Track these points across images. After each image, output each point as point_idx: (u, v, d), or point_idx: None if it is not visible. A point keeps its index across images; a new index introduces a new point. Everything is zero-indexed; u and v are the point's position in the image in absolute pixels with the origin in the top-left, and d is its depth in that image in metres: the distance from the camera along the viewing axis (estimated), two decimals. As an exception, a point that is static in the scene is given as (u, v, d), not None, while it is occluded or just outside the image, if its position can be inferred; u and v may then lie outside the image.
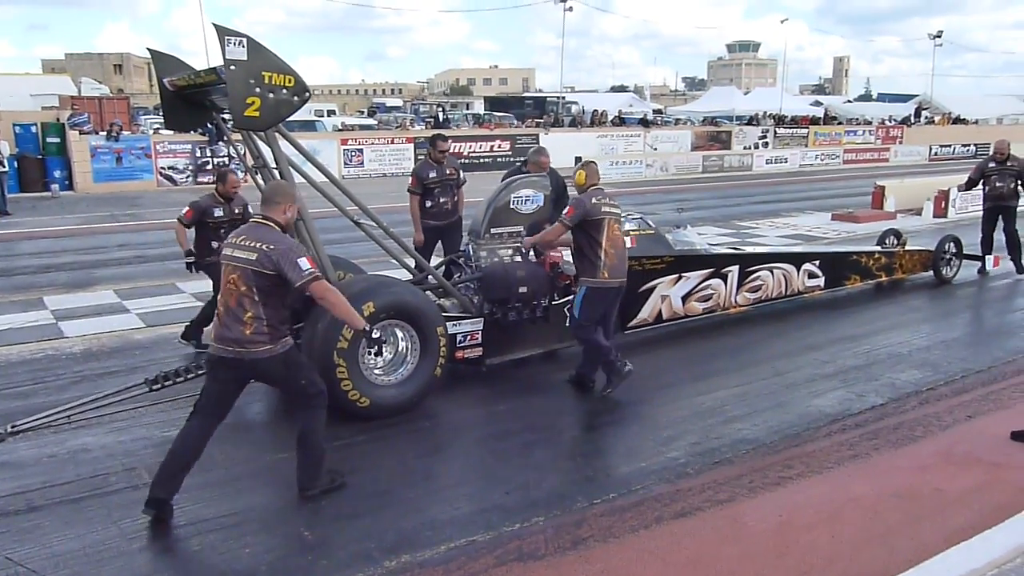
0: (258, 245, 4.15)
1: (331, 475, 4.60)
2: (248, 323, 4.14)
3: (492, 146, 28.23)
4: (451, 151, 8.35)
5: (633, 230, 7.40)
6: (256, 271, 4.12)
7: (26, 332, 7.95)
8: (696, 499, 4.47)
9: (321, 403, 4.47)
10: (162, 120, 28.09)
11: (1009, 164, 10.40)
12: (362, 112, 50.29)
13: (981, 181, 10.64)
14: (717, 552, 3.97)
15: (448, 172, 8.13)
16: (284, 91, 5.03)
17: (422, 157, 8.50)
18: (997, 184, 10.41)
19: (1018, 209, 10.47)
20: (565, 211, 6.04)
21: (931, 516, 4.30)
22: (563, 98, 42.85)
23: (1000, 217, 10.45)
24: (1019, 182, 10.34)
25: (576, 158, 26.99)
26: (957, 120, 46.44)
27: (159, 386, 5.44)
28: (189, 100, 6.09)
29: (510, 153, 27.89)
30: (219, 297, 4.35)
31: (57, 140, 21.78)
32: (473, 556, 3.91)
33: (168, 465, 4.25)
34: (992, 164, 10.59)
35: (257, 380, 4.52)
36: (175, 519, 4.24)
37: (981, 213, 10.80)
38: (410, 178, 8.13)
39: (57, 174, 21.45)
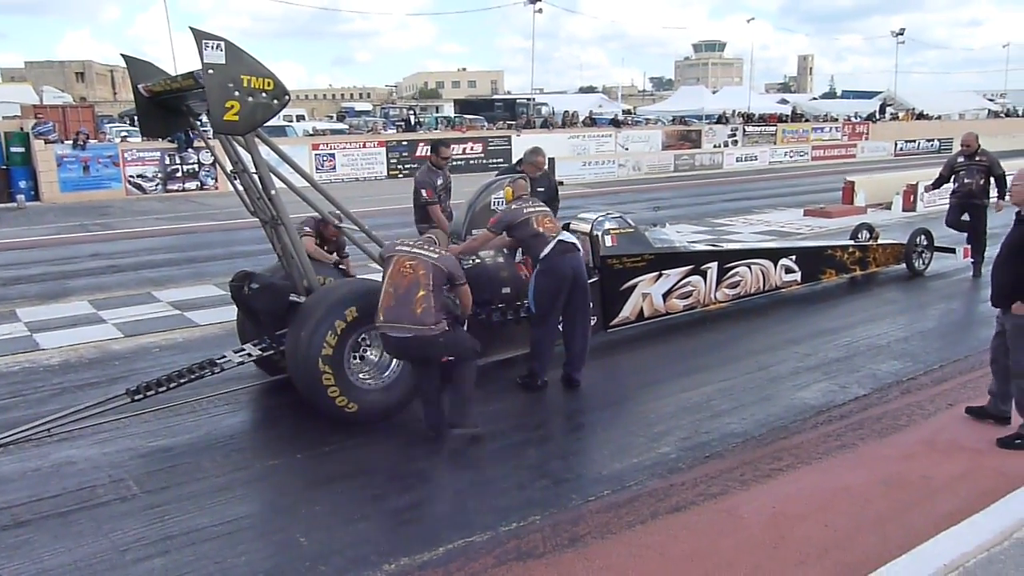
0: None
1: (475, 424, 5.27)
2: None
3: (464, 148, 28.19)
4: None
5: (613, 229, 7.43)
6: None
7: (0, 345, 7.79)
8: (690, 493, 4.51)
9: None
10: (130, 128, 27.82)
11: (978, 159, 10.00)
12: (331, 117, 50.07)
13: (952, 178, 10.26)
14: (714, 545, 4.01)
15: (448, 177, 8.13)
16: (263, 95, 4.98)
17: (421, 166, 8.35)
18: (966, 180, 9.99)
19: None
20: (490, 220, 6.33)
21: (920, 503, 4.38)
22: (533, 100, 42.93)
23: (968, 215, 10.03)
24: (990, 178, 9.92)
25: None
26: (920, 116, 47.28)
27: (141, 396, 5.37)
28: (165, 106, 5.97)
29: (483, 155, 27.96)
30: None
31: (21, 150, 21.38)
32: (472, 557, 3.91)
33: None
34: (961, 159, 10.16)
35: None
36: (168, 529, 4.19)
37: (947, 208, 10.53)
38: (423, 191, 7.79)
39: (22, 184, 21.05)
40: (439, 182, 7.93)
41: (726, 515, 4.29)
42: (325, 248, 6.69)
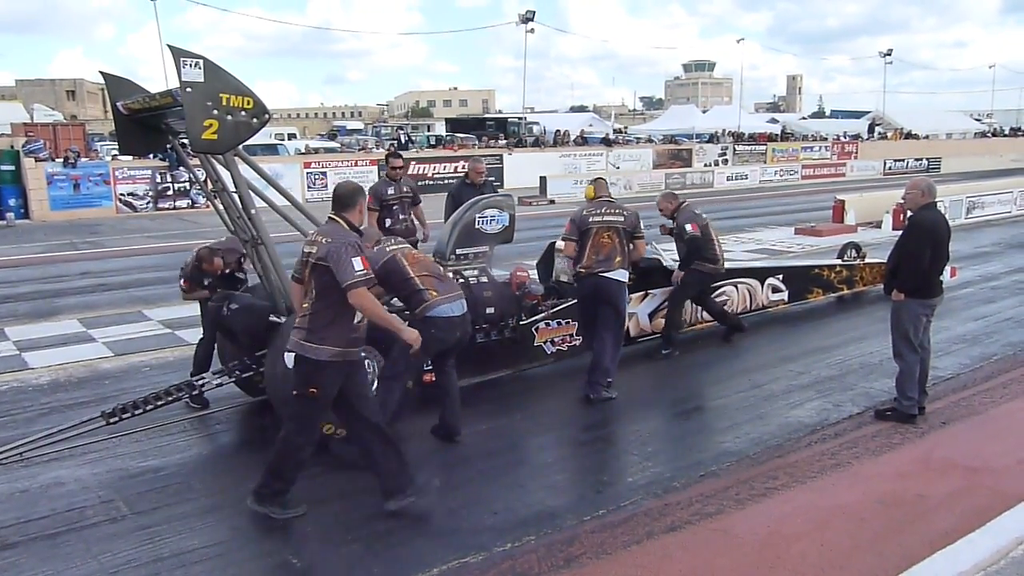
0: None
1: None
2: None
3: (456, 167, 28.24)
4: (406, 168, 8.45)
5: None
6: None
7: (-11, 364, 7.72)
8: (685, 513, 4.48)
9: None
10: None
11: None
12: (323, 135, 50.10)
13: None
14: (710, 565, 3.98)
15: (404, 190, 8.28)
16: (243, 113, 4.93)
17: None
18: None
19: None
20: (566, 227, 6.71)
21: (915, 522, 4.36)
22: (525, 119, 43.09)
23: None
24: None
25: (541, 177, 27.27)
26: (909, 135, 47.70)
27: (116, 419, 5.31)
28: (144, 124, 5.93)
29: (493, 178, 27.98)
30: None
31: (11, 168, 21.33)
32: (466, 578, 3.87)
33: None
34: None
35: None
36: (159, 551, 4.14)
37: None
38: (367, 196, 8.07)
39: (12, 202, 20.98)
40: (389, 192, 8.19)
41: (721, 534, 4.26)
42: (207, 283, 6.35)
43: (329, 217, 4.45)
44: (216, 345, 6.26)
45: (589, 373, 6.40)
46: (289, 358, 4.31)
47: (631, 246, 6.55)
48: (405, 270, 5.25)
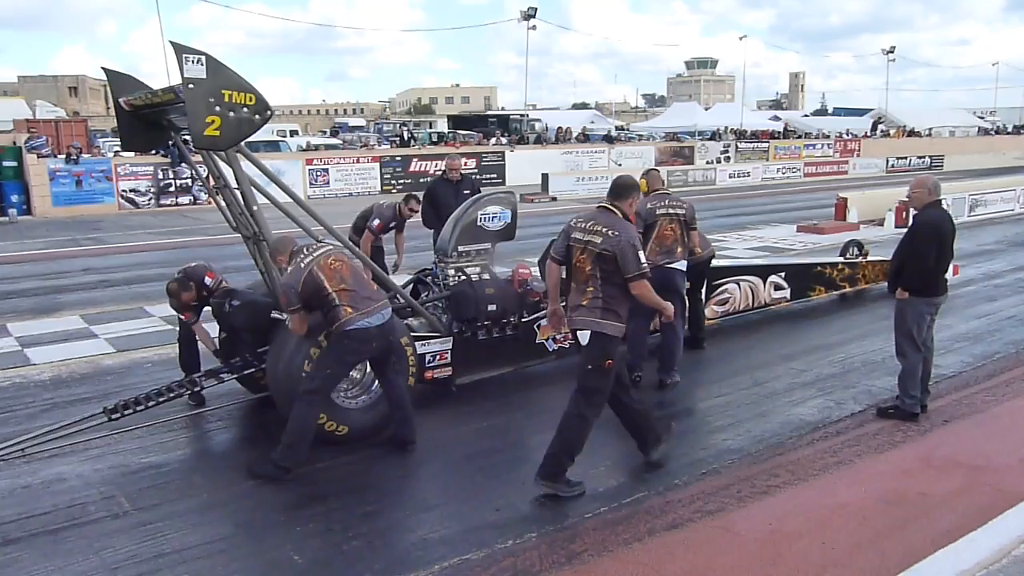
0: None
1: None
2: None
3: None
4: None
5: None
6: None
7: (-9, 360, 7.73)
8: (686, 510, 4.48)
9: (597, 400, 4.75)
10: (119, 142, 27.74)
11: None
12: (324, 132, 50.13)
13: None
14: (711, 562, 3.98)
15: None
16: (245, 109, 4.93)
17: (386, 204, 8.93)
18: None
19: None
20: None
21: (917, 520, 4.36)
22: (527, 116, 43.04)
23: None
24: None
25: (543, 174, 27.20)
26: (911, 133, 47.59)
27: (119, 415, 5.31)
28: (146, 120, 5.93)
29: (476, 171, 27.94)
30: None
31: (14, 164, 21.33)
32: (467, 575, 3.87)
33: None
34: None
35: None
36: (161, 547, 4.14)
37: None
38: (376, 221, 8.54)
39: (14, 198, 20.99)
40: (392, 224, 8.72)
41: (723, 532, 4.26)
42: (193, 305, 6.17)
43: (605, 207, 4.79)
44: (218, 341, 6.26)
45: (663, 360, 6.73)
46: (584, 336, 4.65)
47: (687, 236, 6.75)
48: (323, 285, 4.95)
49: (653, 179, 7.04)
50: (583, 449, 4.71)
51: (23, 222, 20.20)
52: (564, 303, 5.03)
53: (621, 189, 4.78)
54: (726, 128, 42.27)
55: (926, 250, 5.58)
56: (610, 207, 4.73)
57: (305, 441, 4.97)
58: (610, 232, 4.59)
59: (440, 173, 9.15)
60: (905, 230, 5.97)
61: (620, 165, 32.13)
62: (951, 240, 5.71)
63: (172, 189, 22.92)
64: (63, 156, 21.76)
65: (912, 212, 5.92)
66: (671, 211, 6.67)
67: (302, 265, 4.98)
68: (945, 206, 5.95)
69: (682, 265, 6.70)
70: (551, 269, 5.00)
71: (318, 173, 25.97)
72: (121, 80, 5.89)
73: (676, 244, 6.66)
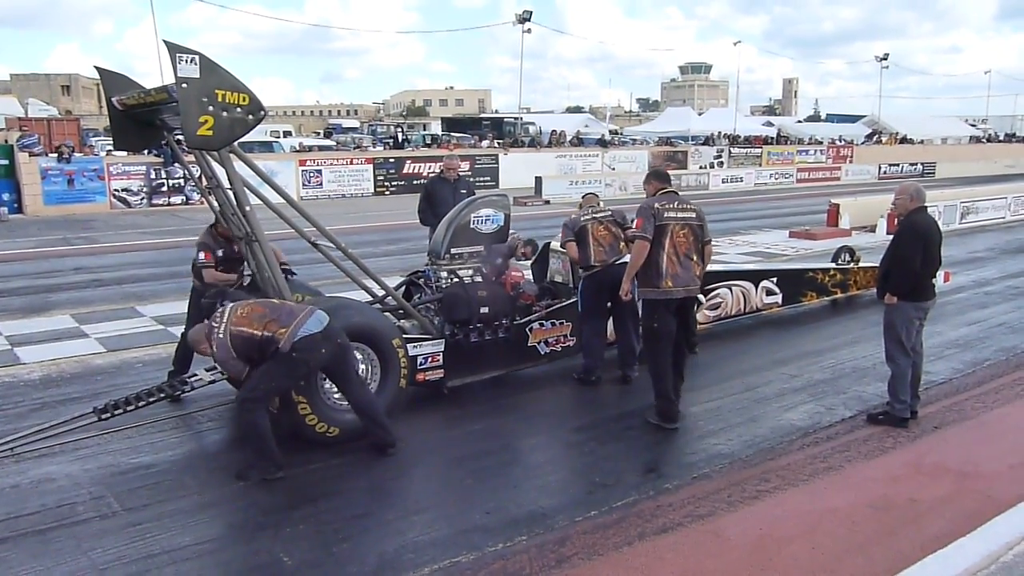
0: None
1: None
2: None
3: (451, 166, 28.17)
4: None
5: None
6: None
7: (-20, 359, 7.68)
8: (677, 514, 4.49)
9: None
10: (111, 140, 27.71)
11: None
12: (318, 133, 50.01)
13: None
14: (700, 567, 3.98)
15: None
16: (238, 109, 4.94)
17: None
18: None
19: None
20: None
21: (906, 526, 4.38)
22: (521, 119, 43.09)
23: None
24: None
25: (535, 177, 27.21)
26: (904, 140, 47.81)
27: (109, 415, 5.27)
28: (139, 120, 5.93)
29: (470, 173, 27.94)
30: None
31: (5, 162, 21.27)
32: (458, 578, 3.87)
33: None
34: None
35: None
36: (150, 548, 4.12)
37: None
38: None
39: (5, 197, 20.93)
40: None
41: (713, 536, 4.27)
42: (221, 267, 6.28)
43: (671, 191, 6.01)
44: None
45: (623, 357, 6.94)
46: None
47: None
48: (249, 334, 4.82)
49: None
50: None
51: (14, 221, 20.11)
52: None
53: (666, 176, 6.23)
54: (719, 133, 42.41)
55: (912, 254, 5.62)
56: (673, 190, 5.97)
57: (269, 443, 4.87)
58: (693, 206, 5.82)
59: (438, 172, 9.12)
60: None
61: (613, 169, 32.23)
62: (937, 244, 5.74)
63: (164, 189, 22.87)
64: (55, 155, 21.68)
65: (899, 219, 5.97)
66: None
67: (220, 335, 4.82)
68: (936, 213, 5.99)
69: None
70: (643, 247, 5.66)
71: (311, 174, 25.94)
72: (114, 79, 5.87)
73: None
